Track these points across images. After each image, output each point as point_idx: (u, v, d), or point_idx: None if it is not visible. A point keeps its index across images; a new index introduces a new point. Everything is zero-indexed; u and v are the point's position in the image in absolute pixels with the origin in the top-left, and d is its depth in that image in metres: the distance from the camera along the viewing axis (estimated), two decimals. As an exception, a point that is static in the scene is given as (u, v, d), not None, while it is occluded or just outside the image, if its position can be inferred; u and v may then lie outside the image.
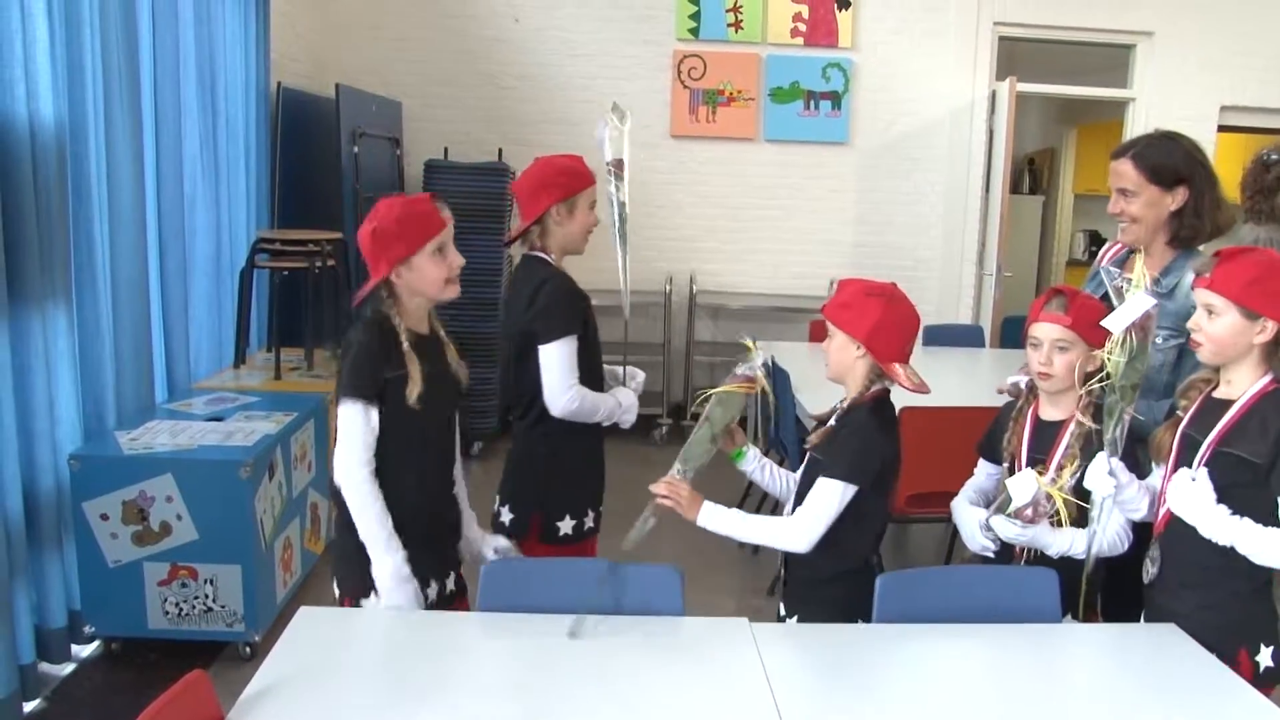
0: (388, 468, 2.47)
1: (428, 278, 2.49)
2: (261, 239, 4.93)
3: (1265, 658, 2.28)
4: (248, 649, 3.77)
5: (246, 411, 4.22)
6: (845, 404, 2.59)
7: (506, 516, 3.04)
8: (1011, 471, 2.70)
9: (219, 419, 4.10)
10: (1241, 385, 2.30)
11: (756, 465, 2.77)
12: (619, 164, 3.31)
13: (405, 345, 2.48)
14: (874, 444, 2.49)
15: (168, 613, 3.69)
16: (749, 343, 2.61)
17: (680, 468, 2.57)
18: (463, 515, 2.75)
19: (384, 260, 2.45)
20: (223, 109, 5.01)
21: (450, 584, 2.67)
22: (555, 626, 2.23)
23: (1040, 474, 2.40)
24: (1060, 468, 2.44)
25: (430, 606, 2.53)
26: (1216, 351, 2.31)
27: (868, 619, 2.38)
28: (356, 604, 2.49)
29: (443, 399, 2.60)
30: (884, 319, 2.48)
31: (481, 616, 2.31)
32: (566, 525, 3.03)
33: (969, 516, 2.66)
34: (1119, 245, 3.11)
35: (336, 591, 2.59)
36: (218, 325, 5.01)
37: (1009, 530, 2.43)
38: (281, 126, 5.69)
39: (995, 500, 2.52)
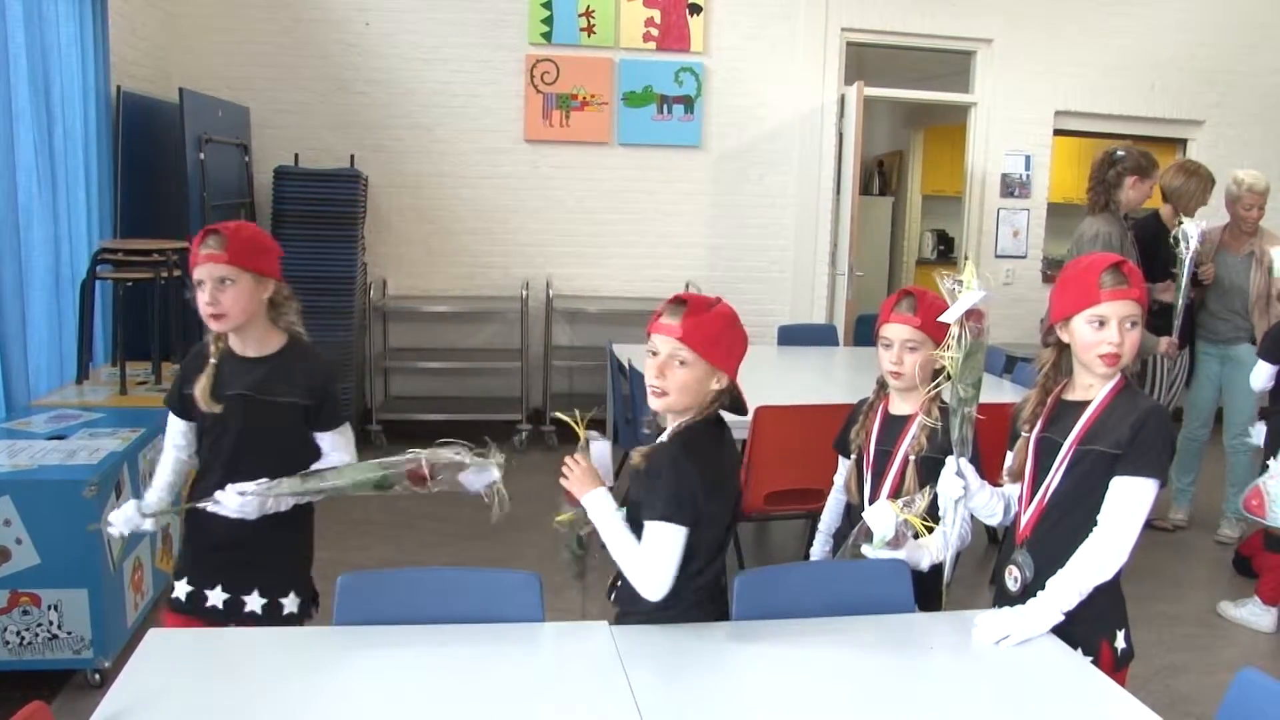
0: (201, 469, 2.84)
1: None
2: (104, 249, 4.76)
3: (1120, 640, 2.40)
4: (97, 676, 3.62)
5: (91, 429, 4.07)
6: (676, 430, 2.39)
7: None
8: (859, 464, 2.79)
9: (61, 437, 3.94)
10: (1099, 386, 2.39)
11: None
12: None
13: (209, 359, 2.74)
14: (687, 481, 2.28)
15: (8, 642, 3.53)
16: (580, 430, 2.47)
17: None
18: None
19: None
20: (59, 114, 4.82)
21: (251, 601, 2.80)
22: (413, 638, 2.22)
23: (894, 503, 2.46)
24: (910, 500, 2.48)
25: (205, 614, 2.76)
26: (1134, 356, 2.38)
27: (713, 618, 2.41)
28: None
29: (240, 414, 2.73)
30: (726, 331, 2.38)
31: (339, 631, 2.26)
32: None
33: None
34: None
35: None
36: (58, 340, 4.81)
37: (881, 557, 2.48)
38: (123, 133, 5.51)
39: (854, 536, 2.58)
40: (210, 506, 2.62)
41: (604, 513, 2.36)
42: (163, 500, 2.86)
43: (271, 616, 2.81)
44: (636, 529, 2.33)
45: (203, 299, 2.65)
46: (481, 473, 2.47)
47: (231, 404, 2.72)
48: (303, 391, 2.75)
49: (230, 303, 2.65)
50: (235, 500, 2.57)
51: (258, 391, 2.73)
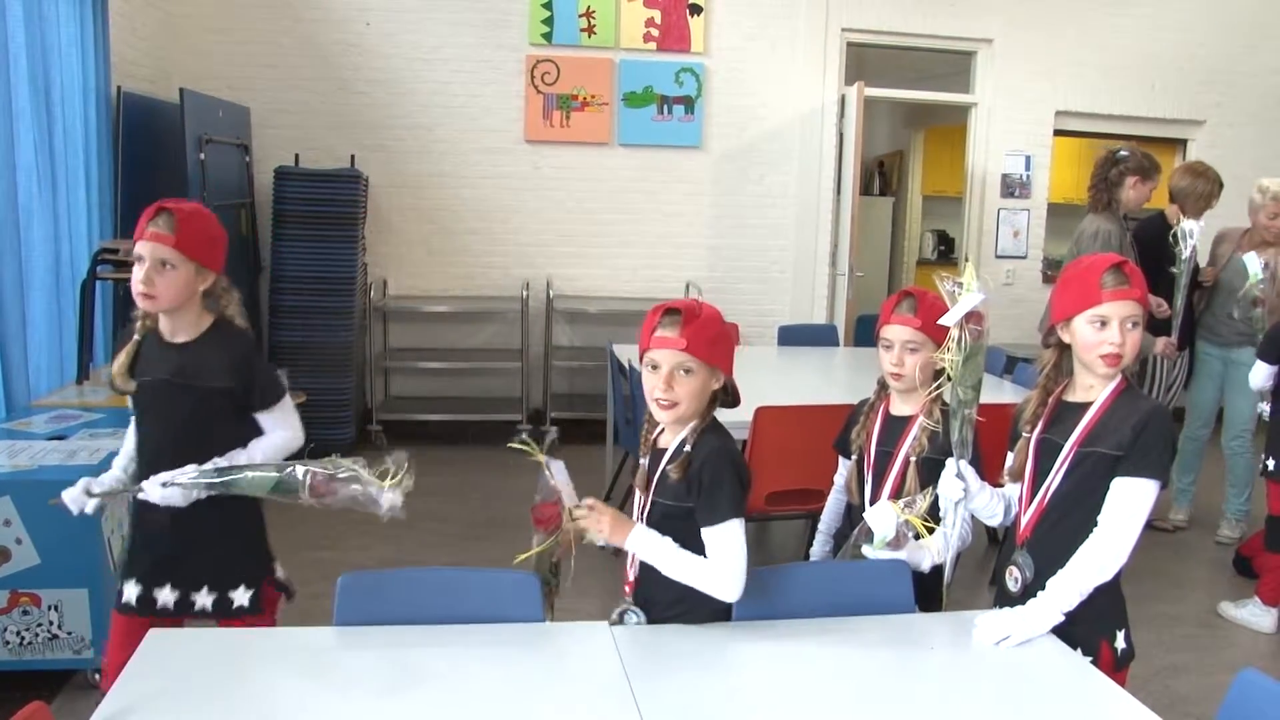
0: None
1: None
2: (104, 249, 4.75)
3: (1120, 641, 2.40)
4: (97, 676, 3.61)
5: (91, 429, 4.07)
6: (693, 433, 2.39)
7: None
8: (860, 464, 2.79)
9: (61, 437, 3.94)
10: (1100, 387, 2.39)
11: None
12: None
13: (134, 338, 2.72)
14: (741, 475, 2.35)
15: (8, 643, 3.53)
16: (538, 454, 2.38)
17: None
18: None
19: None
20: (59, 114, 4.82)
21: (200, 598, 2.73)
22: (413, 638, 2.22)
23: (895, 504, 2.46)
24: (911, 500, 2.48)
25: (155, 614, 2.68)
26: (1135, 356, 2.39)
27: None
28: None
29: (162, 400, 2.68)
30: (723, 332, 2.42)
31: (339, 630, 2.26)
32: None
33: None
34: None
35: None
36: (58, 340, 4.81)
37: (882, 558, 2.48)
38: (124, 133, 5.51)
39: (855, 536, 2.58)
40: (139, 495, 2.60)
41: (655, 545, 2.34)
42: (117, 478, 2.79)
43: (222, 610, 2.77)
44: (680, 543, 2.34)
45: (137, 275, 2.58)
46: (382, 495, 2.34)
47: (152, 389, 2.69)
48: (225, 374, 2.67)
49: (165, 287, 2.60)
50: (158, 491, 2.55)
51: (176, 376, 2.66)
